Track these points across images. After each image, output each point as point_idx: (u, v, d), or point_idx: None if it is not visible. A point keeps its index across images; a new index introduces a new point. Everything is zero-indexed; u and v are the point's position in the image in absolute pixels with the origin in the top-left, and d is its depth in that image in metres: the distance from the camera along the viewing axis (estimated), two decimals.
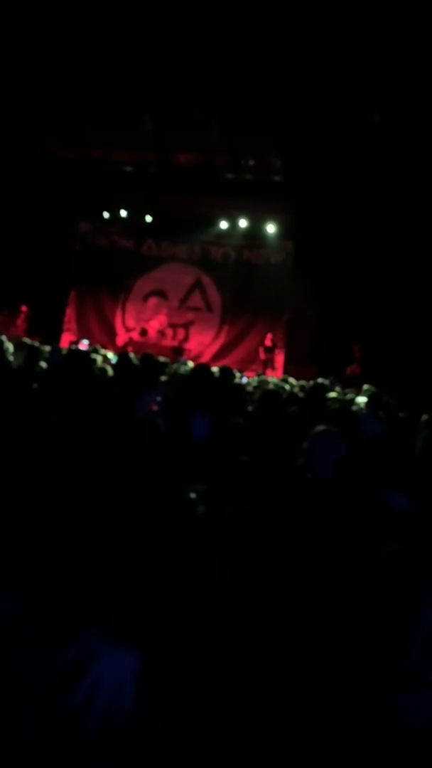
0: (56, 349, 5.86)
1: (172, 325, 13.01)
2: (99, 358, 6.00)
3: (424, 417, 4.55)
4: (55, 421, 2.92)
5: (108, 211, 12.66)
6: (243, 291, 12.59)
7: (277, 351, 11.90)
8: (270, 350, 11.75)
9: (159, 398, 3.27)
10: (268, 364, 11.56)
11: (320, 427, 2.49)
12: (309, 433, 2.50)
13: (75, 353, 4.86)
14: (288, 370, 10.62)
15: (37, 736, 1.02)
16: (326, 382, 6.74)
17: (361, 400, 5.12)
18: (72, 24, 7.65)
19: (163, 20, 7.42)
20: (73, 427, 2.81)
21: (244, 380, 6.54)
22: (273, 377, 8.77)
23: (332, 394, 5.69)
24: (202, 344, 12.80)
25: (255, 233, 12.27)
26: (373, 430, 2.96)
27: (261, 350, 11.83)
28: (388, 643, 0.96)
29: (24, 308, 11.76)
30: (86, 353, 5.32)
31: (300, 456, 2.48)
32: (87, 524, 2.03)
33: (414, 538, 1.04)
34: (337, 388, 6.88)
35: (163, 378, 5.01)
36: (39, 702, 1.02)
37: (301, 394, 5.19)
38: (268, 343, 11.75)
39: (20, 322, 11.65)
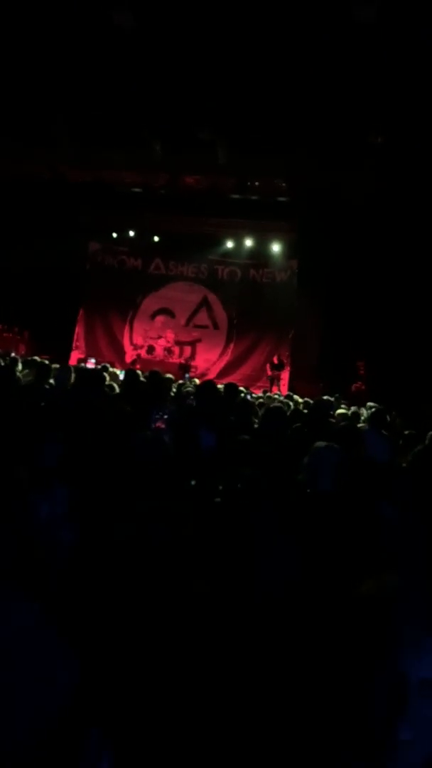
0: (65, 367, 5.95)
1: (179, 343, 13.13)
2: (107, 376, 6.09)
3: (431, 434, 4.58)
4: (63, 438, 2.98)
5: (117, 231, 12.90)
6: (249, 309, 12.71)
7: (283, 368, 11.96)
8: (277, 367, 11.80)
9: (166, 416, 3.33)
10: (275, 381, 11.61)
11: (321, 444, 2.53)
12: (310, 449, 2.54)
13: (84, 372, 4.95)
14: (293, 387, 10.66)
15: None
16: (332, 399, 6.78)
17: (366, 416, 5.15)
18: (82, 49, 7.88)
19: (171, 46, 7.63)
20: (82, 444, 2.87)
21: (249, 397, 6.59)
22: (278, 394, 8.82)
23: (340, 411, 5.73)
24: (209, 361, 12.90)
25: (261, 252, 12.44)
26: (375, 447, 3.01)
27: (268, 367, 11.89)
28: (349, 691, 0.85)
29: None
30: (96, 371, 5.42)
31: (301, 471, 2.52)
32: (97, 540, 2.07)
33: (393, 577, 0.92)
34: (344, 405, 6.91)
35: (171, 395, 5.07)
36: (50, 710, 1.05)
37: (306, 411, 5.24)
38: (275, 360, 11.82)
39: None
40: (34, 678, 1.05)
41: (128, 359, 12.87)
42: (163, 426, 3.26)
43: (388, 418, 5.14)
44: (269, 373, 11.74)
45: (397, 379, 9.22)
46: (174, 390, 5.69)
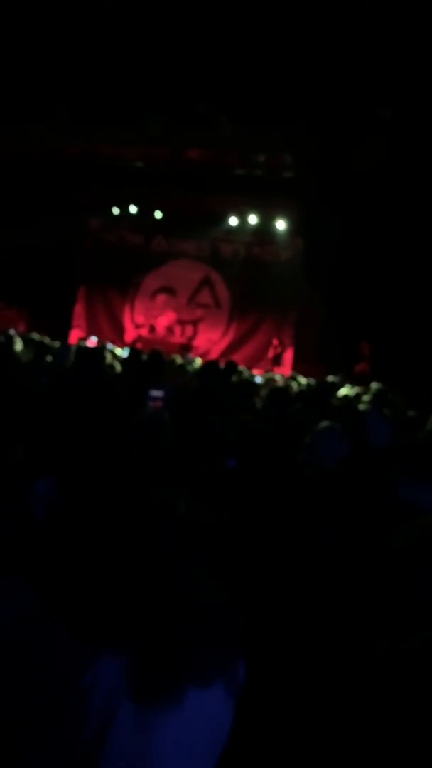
0: (65, 346, 5.90)
1: (181, 322, 13.03)
2: (108, 355, 6.04)
3: None
4: (63, 417, 2.94)
5: (117, 207, 12.70)
6: (252, 288, 12.57)
7: (286, 349, 11.89)
8: (279, 348, 11.74)
9: (162, 394, 3.29)
10: (277, 361, 11.55)
11: (323, 424, 2.49)
12: (311, 429, 2.51)
13: (84, 350, 4.90)
14: (296, 368, 10.61)
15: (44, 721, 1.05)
16: (336, 380, 6.73)
17: (368, 397, 5.10)
18: (81, 22, 7.67)
19: (172, 17, 7.42)
20: (81, 423, 2.83)
21: (258, 379, 6.54)
22: (281, 375, 8.77)
23: (343, 391, 5.68)
24: (211, 341, 12.82)
25: (264, 230, 12.23)
26: (377, 427, 2.97)
27: (270, 348, 11.82)
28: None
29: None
30: (96, 350, 5.37)
31: (301, 452, 2.49)
32: (93, 524, 2.04)
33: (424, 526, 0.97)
34: (347, 386, 6.87)
35: (169, 374, 5.03)
36: (47, 691, 1.05)
37: (308, 392, 5.19)
38: (275, 342, 11.74)
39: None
40: (33, 666, 1.05)
41: (129, 338, 12.81)
42: (161, 405, 3.22)
43: (389, 396, 5.09)
44: (272, 354, 11.69)
45: (402, 360, 9.16)
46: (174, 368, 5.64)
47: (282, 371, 10.59)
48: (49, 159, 11.25)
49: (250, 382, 4.84)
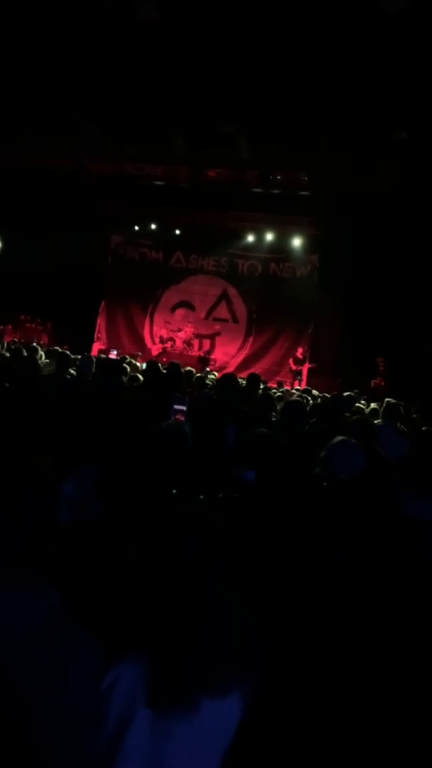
0: (87, 357, 6.05)
1: (199, 336, 13.20)
2: (127, 367, 6.18)
3: None
4: (86, 424, 3.04)
5: (139, 224, 12.98)
6: (268, 303, 12.71)
7: (304, 363, 11.95)
8: (301, 362, 11.78)
9: (184, 407, 3.39)
10: (298, 375, 11.60)
11: (339, 438, 2.55)
12: (327, 443, 2.57)
13: (105, 362, 5.04)
14: (312, 383, 10.66)
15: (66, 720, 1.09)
16: (353, 394, 6.79)
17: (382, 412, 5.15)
18: (105, 42, 7.93)
19: (194, 39, 7.64)
20: (104, 431, 2.93)
21: (273, 392, 6.61)
22: (297, 389, 8.83)
23: (358, 406, 5.74)
24: (228, 355, 12.95)
25: (281, 247, 12.41)
26: (389, 441, 3.03)
27: (291, 362, 11.88)
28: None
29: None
30: (116, 362, 5.51)
31: (317, 465, 2.55)
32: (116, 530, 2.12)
33: None
34: (363, 401, 6.92)
35: (188, 388, 5.13)
36: (70, 689, 1.10)
37: (323, 406, 5.25)
38: (299, 355, 11.78)
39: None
40: (54, 667, 1.08)
41: (154, 353, 12.99)
42: (182, 418, 3.32)
43: (402, 410, 5.13)
44: (293, 367, 11.73)
45: (417, 375, 9.16)
46: (193, 381, 5.75)
47: (300, 386, 10.64)
48: (73, 176, 11.56)
49: (266, 396, 4.92)
